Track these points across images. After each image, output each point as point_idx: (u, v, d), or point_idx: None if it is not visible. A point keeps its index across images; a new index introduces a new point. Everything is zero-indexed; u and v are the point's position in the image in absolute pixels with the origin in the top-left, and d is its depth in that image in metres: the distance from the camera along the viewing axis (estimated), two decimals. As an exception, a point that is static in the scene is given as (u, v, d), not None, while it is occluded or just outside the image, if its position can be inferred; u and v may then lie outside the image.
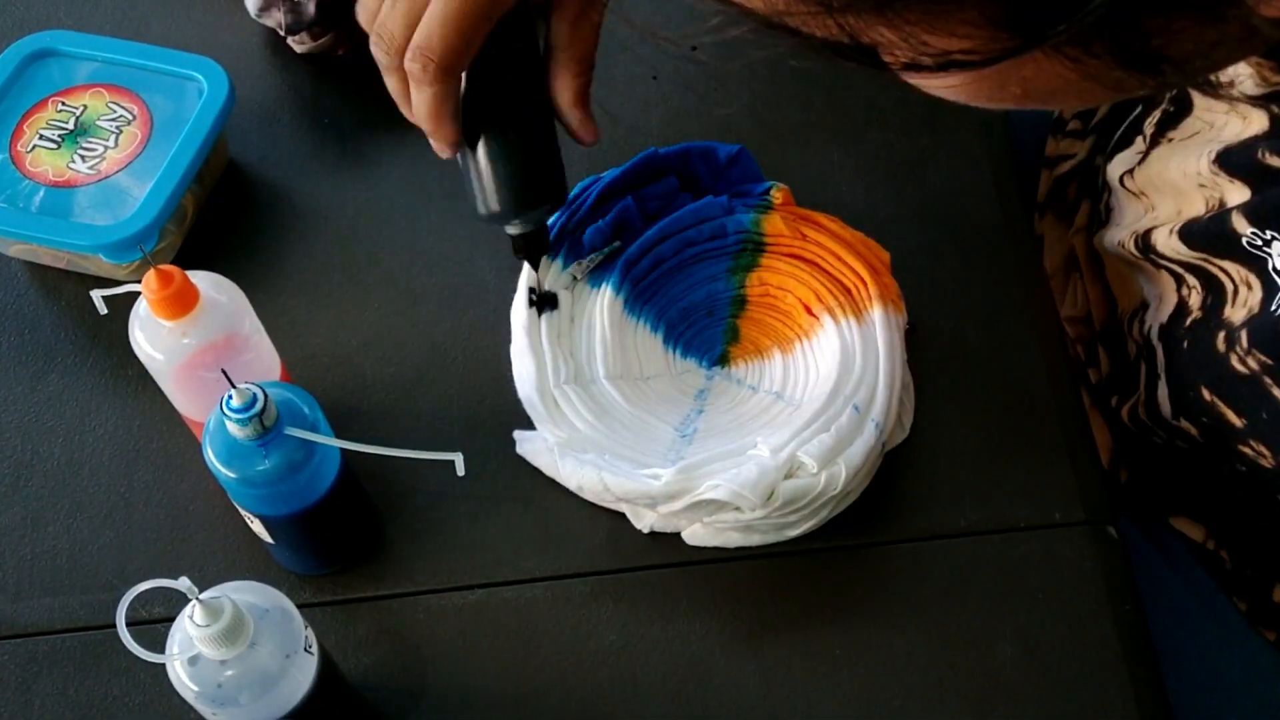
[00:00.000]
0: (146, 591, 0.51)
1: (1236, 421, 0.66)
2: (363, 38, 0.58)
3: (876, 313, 0.70)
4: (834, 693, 0.64)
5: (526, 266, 0.71)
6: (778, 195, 0.74)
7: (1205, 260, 0.68)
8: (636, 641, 0.66)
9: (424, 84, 0.56)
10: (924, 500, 0.69)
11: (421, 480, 0.69)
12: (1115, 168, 0.76)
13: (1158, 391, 0.72)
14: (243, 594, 0.54)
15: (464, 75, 0.58)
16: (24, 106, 0.75)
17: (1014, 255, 0.77)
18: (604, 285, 0.71)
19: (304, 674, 0.55)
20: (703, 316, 0.73)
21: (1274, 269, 0.62)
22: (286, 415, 0.57)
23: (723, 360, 0.72)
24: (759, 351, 0.72)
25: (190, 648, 0.52)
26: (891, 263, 0.73)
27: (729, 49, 0.36)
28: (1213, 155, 0.67)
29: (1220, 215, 0.65)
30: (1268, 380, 0.63)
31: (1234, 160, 0.65)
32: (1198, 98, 0.71)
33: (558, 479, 0.68)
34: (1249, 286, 0.64)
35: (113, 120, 0.75)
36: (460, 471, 0.59)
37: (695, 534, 0.67)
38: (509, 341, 0.71)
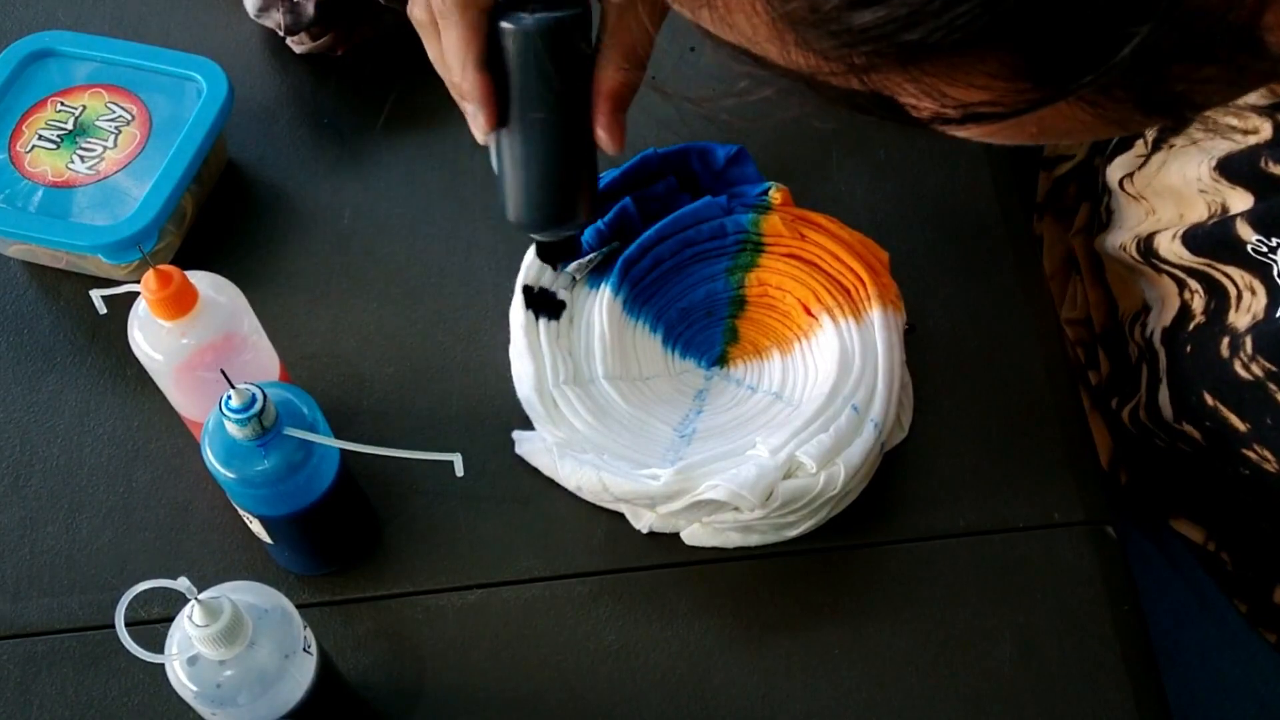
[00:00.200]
0: (146, 591, 0.51)
1: (1240, 426, 0.66)
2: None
3: (875, 313, 0.70)
4: (833, 693, 0.64)
5: (525, 267, 0.71)
6: (776, 195, 0.74)
7: (1209, 265, 0.67)
8: (635, 641, 0.66)
9: (449, 22, 0.55)
10: (923, 500, 0.69)
11: (420, 480, 0.69)
12: (1115, 171, 0.76)
13: (1159, 395, 0.72)
14: (242, 594, 0.54)
15: (506, 58, 0.56)
16: (23, 107, 0.75)
17: (1013, 256, 0.77)
18: (603, 286, 0.71)
19: (303, 674, 0.55)
20: (702, 317, 0.73)
21: (1279, 275, 0.62)
22: (285, 415, 0.57)
23: (722, 360, 0.72)
24: (758, 352, 0.72)
25: (189, 648, 0.53)
26: (890, 263, 0.73)
27: (754, 110, 0.36)
28: (1214, 162, 0.66)
29: (1224, 221, 0.65)
30: (1272, 386, 0.63)
31: (1235, 167, 0.65)
32: None
33: (556, 479, 0.68)
34: (1253, 292, 0.64)
35: (112, 120, 0.75)
36: (459, 472, 0.59)
37: (694, 534, 0.67)
38: (508, 341, 0.71)
